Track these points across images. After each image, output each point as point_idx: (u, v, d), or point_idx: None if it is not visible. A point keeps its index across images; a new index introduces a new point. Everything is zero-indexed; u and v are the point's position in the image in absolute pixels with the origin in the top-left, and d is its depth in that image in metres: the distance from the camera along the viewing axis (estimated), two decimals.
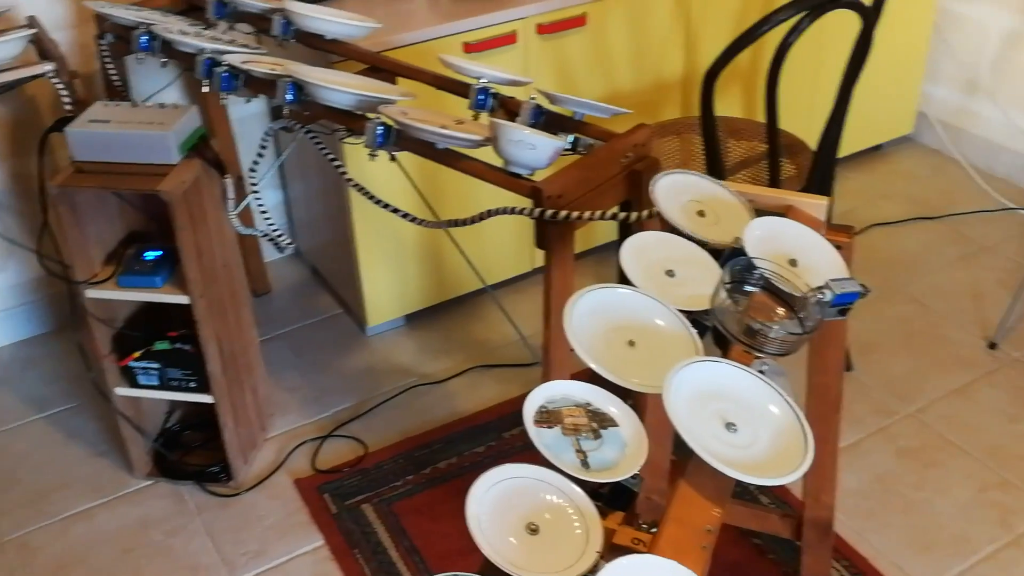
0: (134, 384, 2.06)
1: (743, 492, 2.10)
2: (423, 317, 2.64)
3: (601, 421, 1.02)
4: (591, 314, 1.13)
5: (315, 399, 2.40)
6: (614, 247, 2.76)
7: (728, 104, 2.81)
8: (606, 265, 2.81)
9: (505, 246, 2.61)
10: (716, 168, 2.04)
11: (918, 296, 2.67)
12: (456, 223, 1.59)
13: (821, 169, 2.12)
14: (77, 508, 2.13)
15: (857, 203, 3.07)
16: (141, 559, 2.02)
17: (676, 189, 1.36)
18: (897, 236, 2.92)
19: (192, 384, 2.04)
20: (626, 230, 2.39)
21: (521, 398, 2.37)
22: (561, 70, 2.48)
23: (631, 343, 1.12)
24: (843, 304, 1.17)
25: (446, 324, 2.63)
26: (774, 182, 2.08)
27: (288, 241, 1.92)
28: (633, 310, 1.15)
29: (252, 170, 1.84)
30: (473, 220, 1.55)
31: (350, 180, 1.74)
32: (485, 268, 2.59)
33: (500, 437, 2.27)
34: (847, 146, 3.16)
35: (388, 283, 2.50)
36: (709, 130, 1.99)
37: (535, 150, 1.45)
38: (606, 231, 2.78)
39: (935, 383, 2.38)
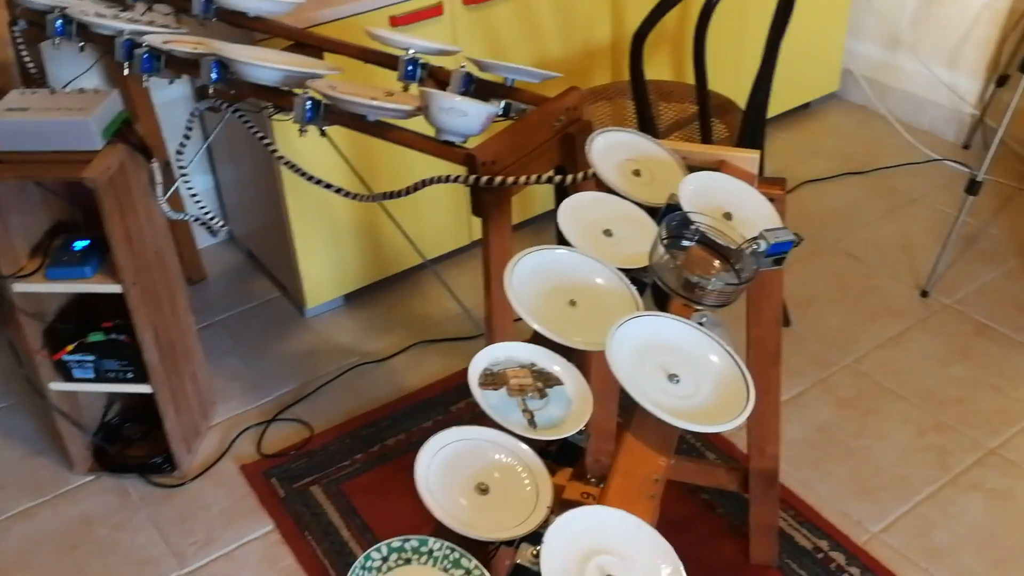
0: (69, 378, 2.02)
1: (690, 449, 2.13)
2: (362, 296, 2.62)
3: (546, 380, 1.02)
4: (531, 276, 1.12)
5: (257, 384, 2.37)
6: (551, 216, 2.77)
7: (657, 67, 2.82)
8: (544, 235, 2.81)
9: (442, 220, 2.60)
10: (649, 131, 2.05)
11: (850, 249, 2.72)
12: (390, 195, 1.57)
13: (751, 128, 2.14)
14: (16, 509, 2.08)
15: (788, 161, 3.12)
16: (87, 556, 1.98)
17: (611, 148, 1.36)
18: (828, 192, 2.97)
19: (130, 375, 2.00)
20: (562, 197, 2.40)
21: (466, 371, 2.37)
22: (489, 40, 2.46)
23: (572, 303, 1.12)
24: (778, 253, 1.19)
25: (386, 302, 2.62)
26: (706, 142, 2.10)
27: (221, 224, 1.88)
28: (573, 270, 1.15)
29: (179, 153, 1.80)
30: (408, 191, 1.54)
31: (281, 158, 1.71)
32: (423, 243, 2.58)
33: (447, 411, 2.26)
34: (776, 106, 3.19)
35: (325, 263, 2.47)
36: (640, 93, 2.00)
37: (467, 117, 1.44)
38: (543, 201, 2.79)
39: (870, 333, 2.43)
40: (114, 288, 1.88)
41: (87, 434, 2.15)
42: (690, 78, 2.87)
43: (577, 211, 1.24)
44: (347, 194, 1.65)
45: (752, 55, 2.95)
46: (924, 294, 2.54)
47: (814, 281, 2.61)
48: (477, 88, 1.65)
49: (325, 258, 2.46)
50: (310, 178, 1.69)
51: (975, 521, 1.95)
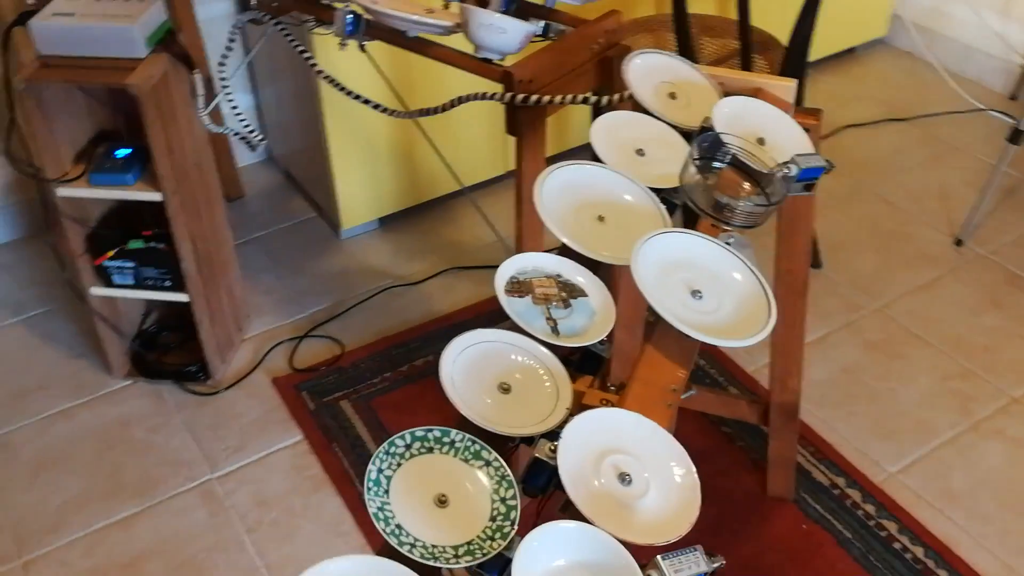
0: (109, 284, 2.07)
1: (713, 383, 2.15)
2: (397, 220, 2.65)
3: (571, 291, 1.05)
4: (561, 191, 1.14)
5: (291, 301, 2.42)
6: (587, 149, 2.77)
7: (701, 1, 2.78)
8: None
9: (479, 148, 2.61)
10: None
11: (887, 195, 2.70)
12: (426, 112, 1.58)
13: (793, 64, 2.12)
14: (57, 408, 2.15)
15: (830, 105, 3.08)
16: (124, 455, 2.05)
17: (648, 70, 1.36)
18: (868, 137, 2.94)
19: (167, 283, 2.05)
20: None
21: (496, 298, 2.40)
22: None
23: (600, 218, 1.14)
24: (808, 179, 1.19)
25: (420, 227, 2.64)
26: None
27: (260, 138, 1.91)
28: (603, 187, 1.16)
29: (222, 65, 1.82)
30: (444, 108, 1.55)
31: (320, 72, 1.73)
32: (459, 170, 2.59)
33: None
34: (820, 49, 3.15)
35: (361, 186, 2.50)
36: (681, 25, 1.99)
37: (506, 34, 1.45)
38: (578, 133, 2.78)
39: (901, 279, 2.42)
40: (155, 196, 1.92)
41: (125, 340, 2.21)
42: (734, 13, 2.83)
43: (611, 129, 1.25)
44: (384, 110, 1.67)
45: None
46: (959, 243, 2.53)
47: (849, 225, 2.60)
48: (518, 8, 1.65)
49: (362, 180, 2.49)
50: (348, 92, 1.71)
51: (993, 466, 1.96)
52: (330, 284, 2.46)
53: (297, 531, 1.89)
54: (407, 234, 2.62)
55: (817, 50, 3.10)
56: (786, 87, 1.39)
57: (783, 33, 2.39)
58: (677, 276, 1.04)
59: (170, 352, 2.25)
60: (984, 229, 2.55)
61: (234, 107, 1.89)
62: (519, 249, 1.59)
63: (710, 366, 2.19)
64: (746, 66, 2.06)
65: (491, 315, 2.35)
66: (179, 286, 2.05)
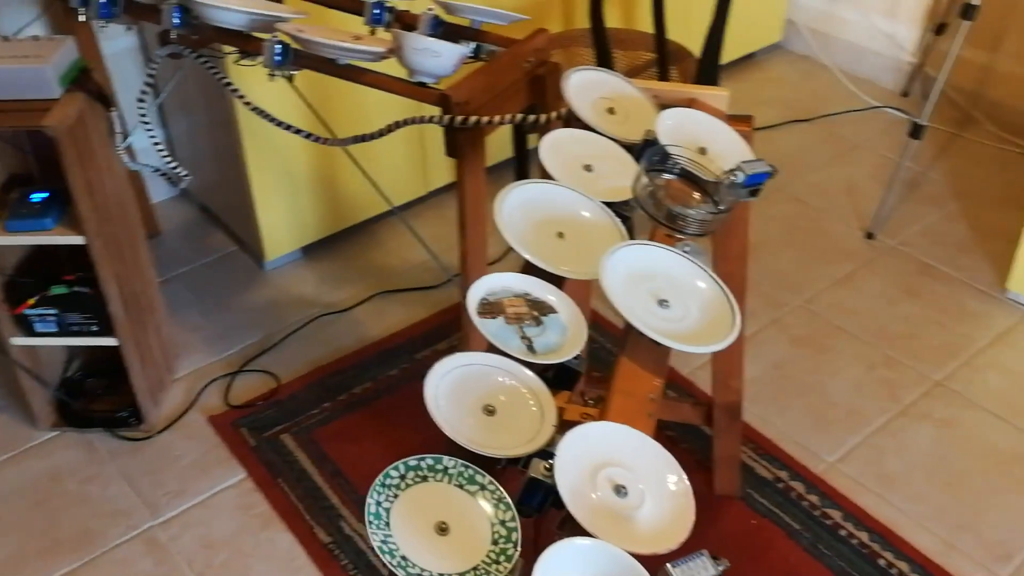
0: (31, 332, 1.99)
1: None
2: (321, 248, 2.62)
3: (541, 309, 1.05)
4: (520, 209, 1.15)
5: (220, 337, 2.37)
6: (509, 165, 2.79)
7: (607, 15, 2.84)
8: (501, 184, 2.82)
9: (398, 171, 2.61)
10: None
11: (798, 195, 2.79)
12: (362, 138, 1.58)
13: (706, 72, 2.18)
14: None
15: (735, 109, 3.15)
16: (57, 510, 1.97)
17: (585, 87, 1.38)
18: (775, 139, 3.03)
19: (94, 327, 1.99)
20: (521, 144, 2.42)
21: (429, 319, 2.40)
22: None
23: (560, 235, 1.15)
24: (754, 184, 1.23)
25: (345, 253, 2.62)
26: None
27: (185, 173, 1.87)
28: (560, 203, 1.18)
29: (141, 101, 1.78)
30: (381, 133, 1.54)
31: (248, 104, 1.71)
32: (380, 196, 2.58)
33: (412, 359, 2.29)
34: (722, 56, 3.24)
35: (284, 215, 2.46)
36: (600, 40, 2.02)
37: (440, 57, 1.45)
38: (500, 149, 2.80)
39: (820, 274, 2.51)
40: (77, 240, 1.86)
41: (49, 389, 2.13)
42: (639, 25, 2.90)
43: (557, 147, 1.26)
44: (318, 139, 1.65)
45: (699, 2, 2.98)
46: (870, 236, 2.63)
47: (765, 226, 2.67)
48: (444, 31, 1.66)
49: (284, 210, 2.45)
50: (279, 123, 1.69)
51: (925, 448, 2.04)
52: (259, 317, 2.42)
53: (249, 571, 1.85)
54: (332, 261, 2.59)
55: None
56: (719, 96, 1.43)
57: (689, 42, 2.46)
58: (643, 287, 1.06)
59: (98, 399, 2.17)
60: (892, 221, 2.66)
61: (156, 142, 1.85)
62: (464, 271, 1.59)
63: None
64: (663, 77, 2.11)
65: (426, 337, 2.35)
66: (107, 330, 1.98)
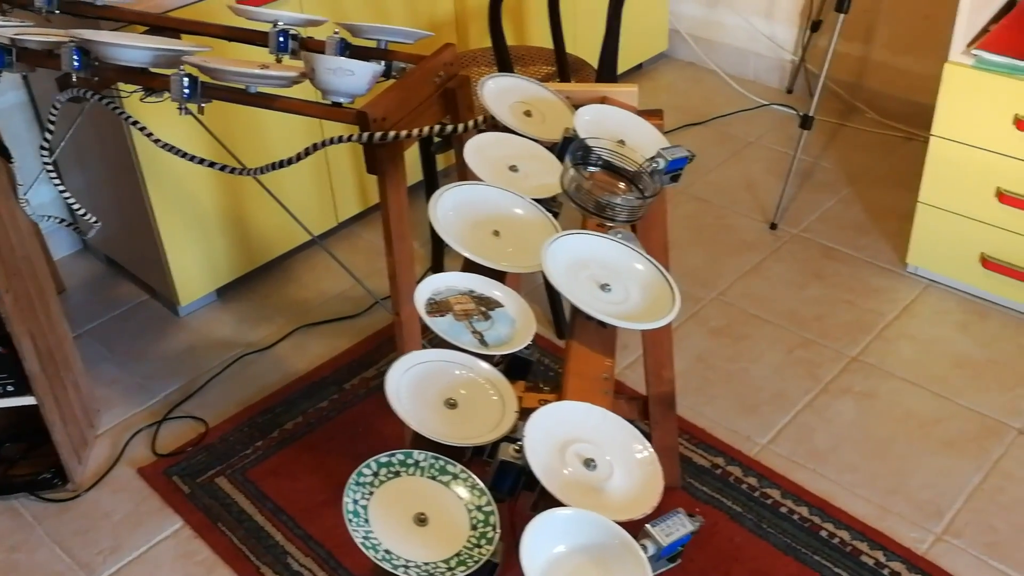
0: None
1: None
2: (235, 288, 2.59)
3: (488, 304, 1.07)
4: (454, 210, 1.17)
5: (140, 387, 2.31)
6: (420, 188, 2.80)
7: None
8: (415, 205, 2.83)
9: (308, 203, 2.59)
10: None
11: (700, 194, 2.87)
12: (280, 164, 1.57)
13: (605, 81, 2.24)
14: None
15: None
16: None
17: (501, 92, 1.41)
18: (672, 143, 3.11)
19: (10, 387, 1.92)
20: (430, 167, 2.43)
21: (353, 349, 2.38)
22: (335, 15, 2.47)
23: (496, 233, 1.17)
24: (675, 169, 1.27)
25: (260, 291, 2.59)
26: None
27: (95, 220, 1.83)
28: (491, 203, 1.20)
29: (44, 149, 1.74)
30: (299, 157, 1.54)
31: (159, 141, 1.68)
32: (291, 230, 2.56)
33: (341, 389, 2.27)
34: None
35: (195, 259, 2.42)
36: (502, 56, 2.06)
37: (354, 76, 1.46)
38: (411, 171, 2.81)
39: (730, 267, 2.58)
40: None
41: None
42: (533, 41, 2.96)
43: (481, 150, 1.29)
44: (233, 170, 1.64)
45: (585, 16, 3.06)
46: (773, 227, 2.72)
47: (672, 226, 2.74)
48: (352, 54, 1.67)
49: (194, 254, 2.41)
50: (193, 158, 1.67)
51: (849, 421, 2.12)
52: (178, 364, 2.37)
53: None
54: (249, 300, 2.56)
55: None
56: (629, 92, 1.48)
57: (585, 56, 2.52)
58: (584, 274, 1.09)
59: (17, 463, 2.09)
60: (792, 211, 2.76)
61: (62, 190, 1.80)
62: (393, 287, 1.60)
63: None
64: (564, 82, 2.16)
65: (352, 366, 2.33)
66: (24, 389, 1.92)
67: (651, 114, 1.50)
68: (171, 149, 1.67)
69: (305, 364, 2.36)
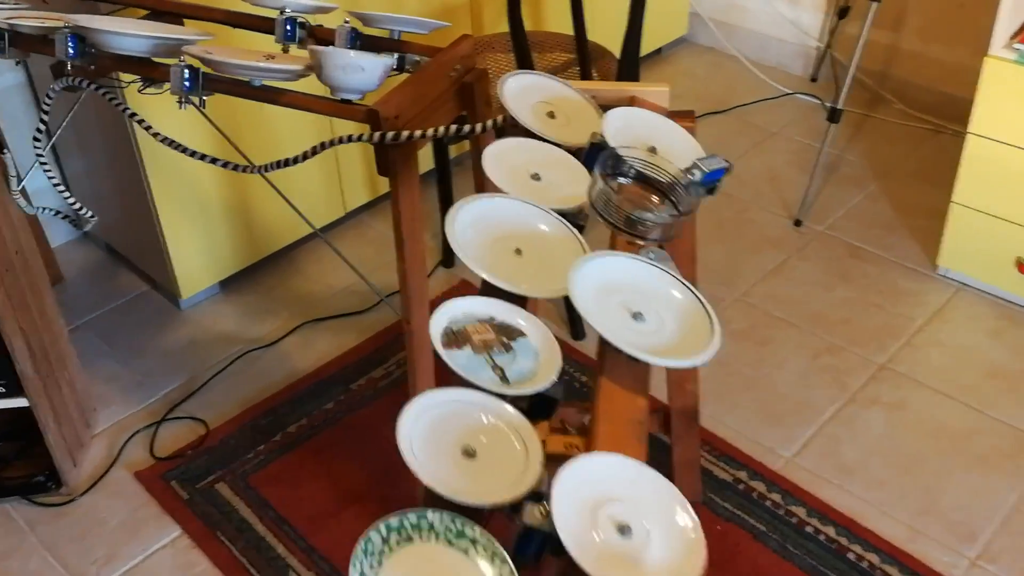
0: None
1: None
2: (239, 280, 2.49)
3: (509, 333, 0.98)
4: (472, 227, 1.07)
5: (139, 385, 2.22)
6: (430, 176, 2.70)
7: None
8: (424, 196, 2.74)
9: (315, 193, 2.49)
10: None
11: (722, 187, 2.76)
12: (285, 163, 1.47)
13: (628, 71, 2.13)
14: None
15: None
16: None
17: (522, 91, 1.31)
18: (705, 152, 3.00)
19: (1, 388, 1.83)
20: (443, 157, 2.33)
21: (361, 346, 2.29)
22: (346, 2, 2.36)
23: (518, 251, 1.08)
24: (712, 181, 1.17)
25: (265, 284, 2.50)
26: None
27: (91, 214, 1.74)
28: (513, 218, 1.10)
29: (37, 140, 1.64)
30: (305, 156, 1.44)
31: (158, 135, 1.58)
32: (296, 220, 2.47)
33: (348, 389, 2.18)
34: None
35: (197, 250, 2.33)
36: (520, 43, 1.95)
37: (364, 72, 1.36)
38: (422, 159, 2.71)
39: (753, 266, 2.48)
40: None
41: None
42: (548, 26, 2.84)
43: (501, 157, 1.19)
44: (236, 167, 1.54)
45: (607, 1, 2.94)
46: (797, 223, 2.62)
47: None
48: (363, 44, 1.57)
49: (197, 244, 2.32)
50: (194, 154, 1.57)
51: (878, 434, 2.02)
52: (179, 360, 2.28)
53: None
54: (253, 294, 2.47)
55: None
56: (660, 92, 1.38)
57: (606, 42, 2.41)
58: (614, 300, 0.99)
59: (10, 465, 2.01)
60: (817, 207, 2.66)
61: (55, 183, 1.71)
62: (404, 292, 1.50)
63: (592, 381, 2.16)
64: (585, 77, 2.06)
65: (359, 365, 2.24)
66: (16, 390, 1.83)
67: (682, 115, 1.40)
68: (173, 144, 1.58)
69: (310, 362, 2.27)
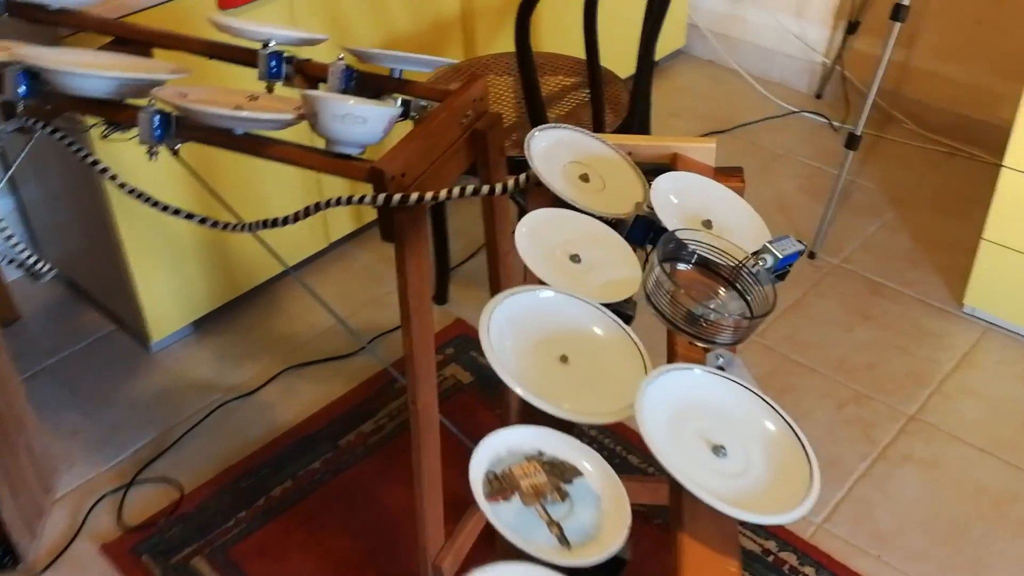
0: None
1: (610, 453, 1.95)
2: (214, 320, 2.30)
3: (563, 473, 0.80)
4: (510, 327, 0.89)
5: (105, 440, 2.02)
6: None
7: (507, 38, 2.60)
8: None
9: (295, 225, 2.30)
10: (538, 109, 1.83)
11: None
12: (274, 223, 1.29)
13: (640, 91, 1.96)
14: None
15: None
16: None
17: (551, 152, 1.13)
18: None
19: None
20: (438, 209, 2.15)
21: (348, 396, 2.10)
22: (331, 18, 2.17)
23: (563, 359, 0.90)
24: (784, 268, 1.00)
25: (243, 324, 2.30)
26: (598, 118, 1.90)
27: (48, 268, 1.54)
28: (557, 316, 0.92)
29: None
30: (297, 217, 1.26)
31: (124, 186, 1.39)
32: (278, 251, 2.28)
33: (335, 446, 2.00)
34: (626, 68, 3.03)
35: (169, 288, 2.13)
36: (527, 66, 1.77)
37: (367, 124, 1.18)
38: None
39: None
40: None
41: None
42: (543, 46, 2.66)
43: (535, 236, 1.01)
44: (215, 224, 1.35)
45: (606, 18, 2.77)
46: (811, 256, 2.46)
47: None
48: (359, 83, 1.38)
49: (168, 281, 2.12)
50: (166, 208, 1.37)
51: (913, 496, 1.87)
52: (149, 411, 2.09)
53: None
54: (230, 335, 2.27)
55: (623, 69, 2.99)
56: (706, 149, 1.20)
57: (608, 62, 2.23)
58: (690, 428, 0.82)
59: None
60: (832, 237, 2.50)
61: (8, 235, 1.51)
62: (411, 372, 1.32)
63: (604, 435, 1.99)
64: (597, 103, 1.88)
65: (347, 418, 2.06)
66: None
67: (729, 174, 1.23)
68: (145, 198, 1.38)
69: (294, 413, 2.08)
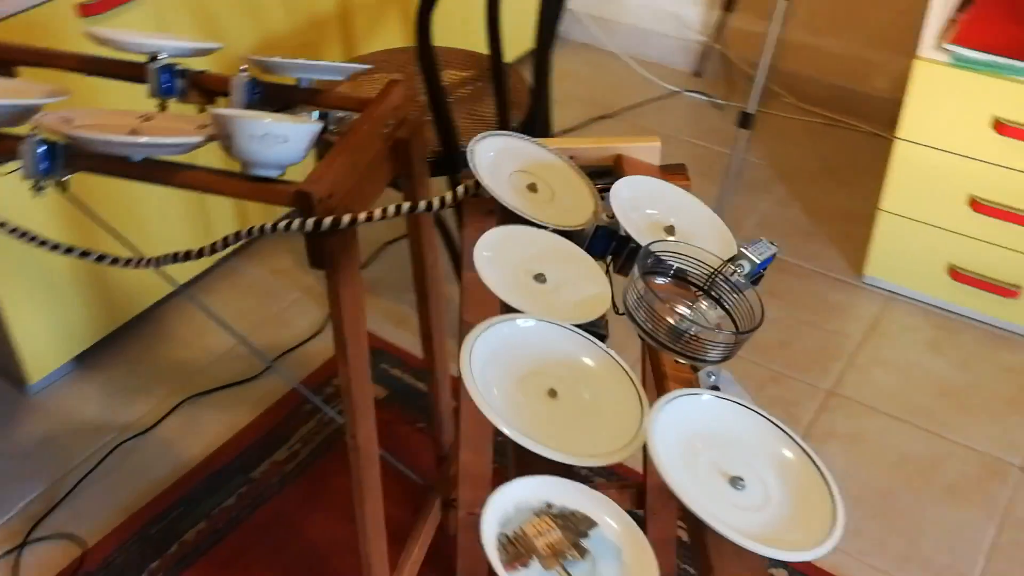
0: None
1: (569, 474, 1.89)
2: (98, 353, 2.12)
3: (576, 526, 0.73)
4: (492, 364, 0.81)
5: None
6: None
7: (388, 34, 2.49)
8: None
9: (176, 241, 2.15)
10: (441, 109, 1.74)
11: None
12: (185, 256, 1.16)
13: (540, 81, 1.90)
14: None
15: None
16: None
17: (496, 163, 1.06)
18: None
19: None
20: None
21: (256, 423, 1.97)
22: (203, 22, 2.02)
23: (552, 393, 0.83)
24: (759, 273, 0.95)
25: (130, 355, 2.13)
26: (503, 116, 1.83)
27: None
28: (539, 348, 0.85)
29: None
30: (214, 248, 1.14)
31: (4, 225, 1.23)
32: (158, 276, 2.12)
33: (249, 479, 1.87)
34: (506, 55, 2.97)
35: (45, 323, 1.95)
36: (429, 62, 1.68)
37: (288, 143, 1.07)
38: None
39: None
40: None
41: None
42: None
43: (496, 259, 0.93)
44: (116, 261, 1.22)
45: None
46: None
47: None
48: (264, 95, 1.27)
49: (43, 316, 1.94)
50: (55, 247, 1.23)
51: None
52: (35, 460, 1.91)
53: None
54: (117, 368, 2.10)
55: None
56: (651, 148, 1.15)
57: (470, 47, 2.16)
58: (703, 460, 0.76)
59: None
60: (727, 217, 2.50)
61: None
62: (349, 407, 1.22)
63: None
64: (501, 97, 1.81)
65: (258, 447, 1.93)
66: None
67: (674, 172, 1.18)
68: (27, 237, 1.23)
69: (199, 448, 1.94)
